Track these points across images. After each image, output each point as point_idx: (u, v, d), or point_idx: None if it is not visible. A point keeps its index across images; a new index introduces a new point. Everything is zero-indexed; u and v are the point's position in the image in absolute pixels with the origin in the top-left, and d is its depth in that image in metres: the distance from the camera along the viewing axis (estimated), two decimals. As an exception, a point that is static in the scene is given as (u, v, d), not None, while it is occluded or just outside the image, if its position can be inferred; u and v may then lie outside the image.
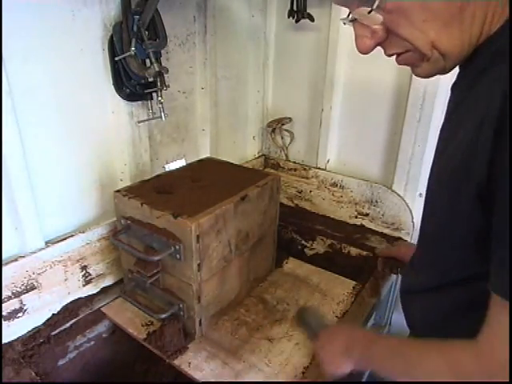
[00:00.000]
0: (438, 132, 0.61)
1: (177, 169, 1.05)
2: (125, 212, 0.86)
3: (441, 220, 0.56)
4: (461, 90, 0.54)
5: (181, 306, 0.85)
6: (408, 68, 0.55)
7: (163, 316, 0.84)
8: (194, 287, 0.81)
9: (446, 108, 0.60)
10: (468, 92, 0.50)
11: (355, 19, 0.50)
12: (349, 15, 0.52)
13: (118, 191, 0.87)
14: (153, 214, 0.80)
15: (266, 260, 1.07)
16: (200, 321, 0.86)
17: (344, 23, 0.53)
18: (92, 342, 0.94)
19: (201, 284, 0.82)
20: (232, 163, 1.10)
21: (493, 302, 0.47)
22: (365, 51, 0.52)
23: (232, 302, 0.96)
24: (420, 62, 0.51)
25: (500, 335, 0.46)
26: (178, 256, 0.78)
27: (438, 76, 0.54)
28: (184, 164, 1.23)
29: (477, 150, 0.44)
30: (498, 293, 0.45)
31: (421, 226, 0.64)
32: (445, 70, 0.51)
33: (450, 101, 0.59)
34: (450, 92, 0.59)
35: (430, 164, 0.60)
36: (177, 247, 0.78)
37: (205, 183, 0.94)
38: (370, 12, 0.47)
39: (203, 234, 0.77)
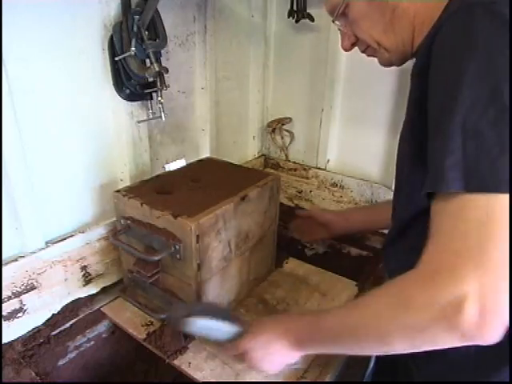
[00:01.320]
0: None
1: (177, 169, 1.05)
2: (124, 212, 0.86)
3: (400, 179, 0.68)
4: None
5: None
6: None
7: (163, 316, 0.84)
8: (193, 287, 0.81)
9: None
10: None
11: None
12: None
13: (117, 191, 0.87)
14: (153, 213, 0.80)
15: (266, 260, 1.07)
16: None
17: (338, 28, 0.72)
18: (92, 342, 0.94)
19: (201, 284, 0.82)
20: (232, 163, 1.10)
21: (432, 212, 0.47)
22: (344, 49, 0.72)
23: (232, 302, 0.96)
24: (377, 54, 0.69)
25: (440, 242, 0.46)
26: (178, 256, 0.78)
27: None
28: (184, 164, 1.23)
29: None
30: (433, 188, 0.46)
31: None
32: (396, 62, 0.69)
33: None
34: None
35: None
36: (177, 247, 0.78)
37: (205, 183, 0.94)
38: (333, 21, 0.69)
39: (203, 233, 0.77)
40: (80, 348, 0.92)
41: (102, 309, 0.95)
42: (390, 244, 0.74)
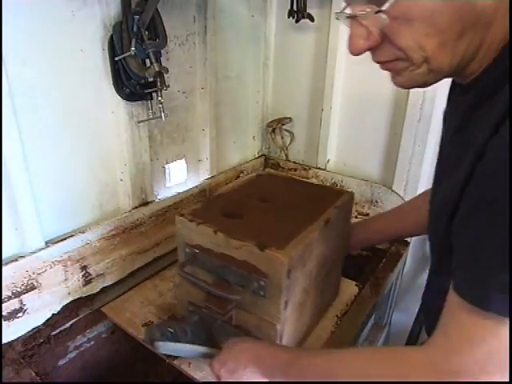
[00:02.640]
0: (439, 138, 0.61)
1: (237, 185, 0.94)
2: (190, 239, 0.75)
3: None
4: (462, 116, 0.53)
5: None
6: None
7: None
8: (277, 327, 0.71)
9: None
10: (471, 115, 0.49)
11: (355, 16, 0.46)
12: (345, 9, 0.48)
13: (181, 215, 0.77)
14: (230, 243, 0.70)
15: (335, 285, 0.99)
16: None
17: (337, 18, 0.49)
18: (92, 342, 0.94)
19: (284, 322, 0.72)
20: (295, 178, 1.03)
21: (450, 303, 0.47)
22: (356, 52, 0.49)
23: (305, 335, 0.87)
24: (405, 72, 0.49)
25: (456, 337, 0.45)
26: (261, 293, 0.69)
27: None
28: (184, 164, 1.23)
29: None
30: (458, 292, 0.45)
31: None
32: (425, 85, 0.51)
33: (446, 127, 0.60)
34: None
35: (430, 164, 0.61)
36: (261, 283, 0.68)
37: (275, 204, 0.84)
38: (377, 12, 0.43)
39: (293, 267, 0.68)
40: (80, 348, 0.92)
41: (102, 309, 0.95)
42: (430, 275, 0.69)
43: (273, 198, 0.86)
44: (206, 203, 0.84)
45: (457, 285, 0.46)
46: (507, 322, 0.41)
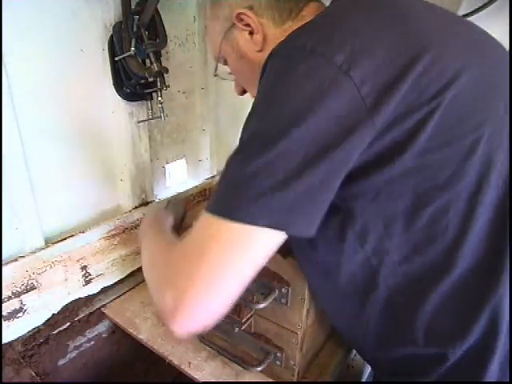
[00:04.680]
0: None
1: None
2: None
3: None
4: None
5: (278, 354, 0.74)
6: None
7: (260, 369, 0.73)
8: (299, 335, 0.71)
9: None
10: None
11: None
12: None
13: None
14: None
15: None
16: (298, 370, 0.76)
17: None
18: (92, 342, 0.94)
19: (305, 331, 0.72)
20: None
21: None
22: (237, 93, 0.79)
23: (324, 342, 0.87)
24: None
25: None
26: (283, 301, 0.69)
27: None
28: (184, 164, 1.23)
29: None
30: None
31: None
32: None
33: None
34: None
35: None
36: (283, 291, 0.68)
37: None
38: (214, 75, 0.79)
39: None
40: (80, 348, 0.92)
41: (102, 309, 0.95)
42: None
43: None
44: None
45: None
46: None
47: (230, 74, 0.73)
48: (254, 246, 0.44)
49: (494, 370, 0.51)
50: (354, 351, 0.88)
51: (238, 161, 0.46)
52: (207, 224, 0.46)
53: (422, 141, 0.45)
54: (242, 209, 0.42)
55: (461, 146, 0.46)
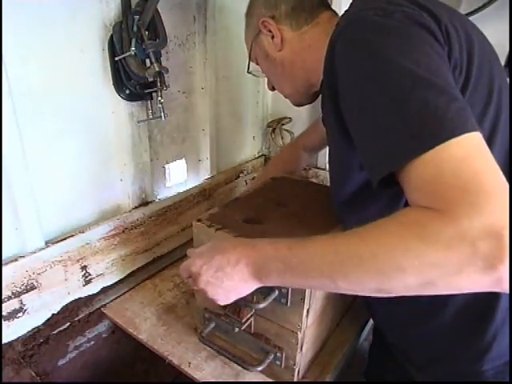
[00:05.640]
0: None
1: (253, 190, 0.94)
2: None
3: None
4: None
5: (278, 354, 0.75)
6: None
7: (260, 369, 0.73)
8: (299, 335, 0.71)
9: None
10: (323, 103, 0.68)
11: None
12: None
13: (199, 220, 0.75)
14: None
15: None
16: (298, 370, 0.76)
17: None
18: (92, 342, 0.94)
19: (306, 331, 0.72)
20: (309, 181, 1.00)
21: (404, 179, 0.45)
22: (268, 89, 0.92)
23: (324, 342, 0.88)
24: (285, 97, 0.88)
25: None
26: (283, 301, 0.69)
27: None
28: (184, 164, 1.23)
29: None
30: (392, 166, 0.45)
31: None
32: (304, 102, 0.87)
33: None
34: None
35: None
36: (283, 290, 0.68)
37: (293, 208, 0.83)
38: (247, 72, 0.93)
39: None
40: (80, 348, 0.92)
41: (102, 309, 0.95)
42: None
43: (290, 203, 0.86)
44: (222, 208, 0.82)
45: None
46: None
47: (263, 73, 0.88)
48: (483, 143, 0.43)
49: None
50: (355, 351, 0.88)
51: (421, 100, 0.44)
52: (443, 157, 0.41)
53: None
54: (459, 124, 0.42)
55: (482, 93, 0.54)
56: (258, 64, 0.85)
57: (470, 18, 0.66)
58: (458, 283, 0.39)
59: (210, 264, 0.57)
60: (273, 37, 0.77)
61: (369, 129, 0.48)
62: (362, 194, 0.62)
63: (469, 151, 0.41)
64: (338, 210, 0.72)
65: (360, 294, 0.47)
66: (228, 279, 0.56)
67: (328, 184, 1.40)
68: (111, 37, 0.88)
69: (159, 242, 1.13)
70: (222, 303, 0.60)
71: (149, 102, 0.98)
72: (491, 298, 0.58)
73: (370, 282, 0.44)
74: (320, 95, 0.71)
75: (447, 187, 0.40)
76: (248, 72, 0.91)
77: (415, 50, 0.47)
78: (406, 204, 0.47)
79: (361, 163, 0.56)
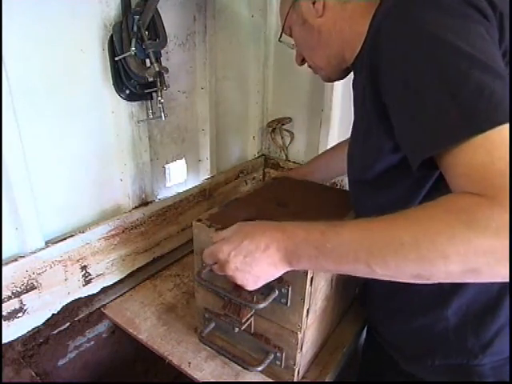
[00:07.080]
0: None
1: (254, 190, 0.93)
2: (208, 246, 0.69)
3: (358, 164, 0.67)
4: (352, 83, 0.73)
5: (278, 354, 0.74)
6: None
7: (260, 369, 0.73)
8: (299, 335, 0.71)
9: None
10: (354, 80, 0.71)
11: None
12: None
13: (199, 220, 0.75)
14: None
15: (353, 289, 0.98)
16: (298, 370, 0.76)
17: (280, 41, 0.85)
18: (92, 342, 0.94)
19: (306, 331, 0.72)
20: (310, 181, 1.00)
21: (446, 165, 0.45)
22: (297, 64, 0.83)
23: (324, 342, 0.87)
24: (315, 71, 0.81)
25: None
26: (283, 301, 0.68)
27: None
28: (184, 164, 1.23)
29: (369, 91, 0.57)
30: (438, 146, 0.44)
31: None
32: (334, 77, 0.79)
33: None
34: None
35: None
36: (283, 291, 0.67)
37: (294, 209, 0.82)
38: (278, 40, 0.84)
39: (316, 274, 0.67)
40: (80, 348, 0.92)
41: (102, 309, 0.95)
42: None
43: (291, 203, 0.85)
44: (223, 208, 0.82)
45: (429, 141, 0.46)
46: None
47: (293, 45, 0.82)
48: None
49: None
50: (355, 351, 0.88)
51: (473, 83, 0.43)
52: (495, 142, 0.41)
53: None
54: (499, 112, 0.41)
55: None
56: (290, 35, 0.78)
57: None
58: (502, 272, 0.39)
59: (238, 250, 0.56)
60: (314, 2, 0.70)
61: (414, 108, 0.47)
62: (387, 177, 0.61)
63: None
64: (356, 191, 0.72)
65: (396, 279, 0.46)
66: (257, 264, 0.55)
67: (328, 184, 1.41)
68: (111, 37, 0.88)
69: (159, 242, 1.13)
70: (251, 288, 0.59)
71: (149, 102, 0.98)
72: (498, 296, 0.58)
73: (409, 268, 0.43)
74: (352, 73, 0.72)
75: (498, 174, 0.40)
76: (279, 41, 0.84)
77: (471, 32, 0.46)
78: (429, 190, 0.46)
79: (397, 144, 0.53)
